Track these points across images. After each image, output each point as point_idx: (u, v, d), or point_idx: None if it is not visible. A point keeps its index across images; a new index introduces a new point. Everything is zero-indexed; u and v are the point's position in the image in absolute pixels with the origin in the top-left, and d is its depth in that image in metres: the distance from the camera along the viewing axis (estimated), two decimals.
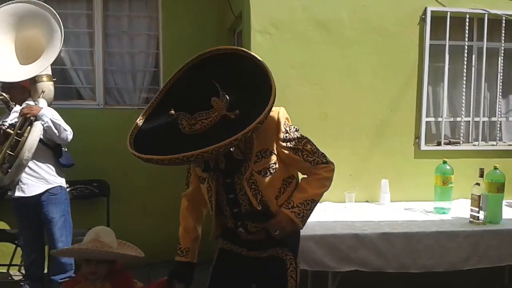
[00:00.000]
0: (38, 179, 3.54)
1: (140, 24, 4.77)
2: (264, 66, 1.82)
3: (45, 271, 3.92)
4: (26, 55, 3.62)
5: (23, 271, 4.00)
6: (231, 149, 1.81)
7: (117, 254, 2.06)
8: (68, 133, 3.55)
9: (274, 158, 1.92)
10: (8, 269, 4.33)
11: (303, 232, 2.74)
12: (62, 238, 3.63)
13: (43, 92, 3.62)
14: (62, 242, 3.62)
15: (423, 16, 3.69)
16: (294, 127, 1.98)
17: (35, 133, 3.43)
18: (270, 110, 1.70)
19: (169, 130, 1.79)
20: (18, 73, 3.53)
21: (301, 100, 3.58)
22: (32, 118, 3.43)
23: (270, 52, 3.53)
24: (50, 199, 3.58)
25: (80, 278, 2.12)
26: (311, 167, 1.96)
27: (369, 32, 3.66)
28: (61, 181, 3.68)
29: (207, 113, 1.71)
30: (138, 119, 1.92)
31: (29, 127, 3.43)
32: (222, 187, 1.99)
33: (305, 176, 2.02)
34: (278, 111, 1.93)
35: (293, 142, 1.94)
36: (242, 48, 1.96)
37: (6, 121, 3.52)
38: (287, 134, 1.93)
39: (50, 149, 3.60)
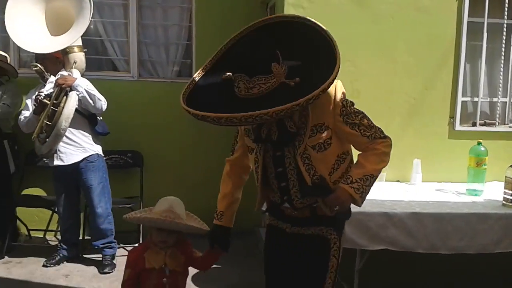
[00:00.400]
0: (76, 147, 3.66)
1: None
2: (329, 35, 1.79)
3: (80, 237, 4.09)
4: (56, 26, 3.68)
5: (59, 237, 4.17)
6: (286, 120, 1.79)
7: (187, 226, 2.08)
8: (103, 102, 3.64)
9: (329, 133, 1.85)
10: (44, 234, 4.51)
11: None
12: (101, 204, 3.78)
13: (75, 62, 3.70)
14: (101, 208, 3.78)
15: None
16: (350, 101, 1.89)
17: (71, 103, 3.53)
18: (334, 79, 1.67)
19: (223, 91, 1.75)
20: (49, 44, 3.61)
21: None
22: (67, 88, 3.52)
23: None
24: (88, 166, 3.71)
25: (150, 244, 2.17)
26: (369, 142, 1.87)
27: (405, 7, 3.58)
28: (98, 149, 3.80)
29: (266, 78, 1.68)
30: (196, 74, 1.88)
31: (64, 97, 3.54)
32: (272, 159, 1.94)
33: (362, 151, 1.92)
34: (336, 85, 1.85)
35: (351, 117, 1.85)
36: (307, 17, 1.88)
37: (42, 92, 3.62)
38: (344, 108, 1.84)
39: (86, 118, 3.71)
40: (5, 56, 4.21)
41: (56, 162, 3.68)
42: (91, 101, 3.58)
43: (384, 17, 3.57)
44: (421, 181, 3.56)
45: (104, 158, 3.90)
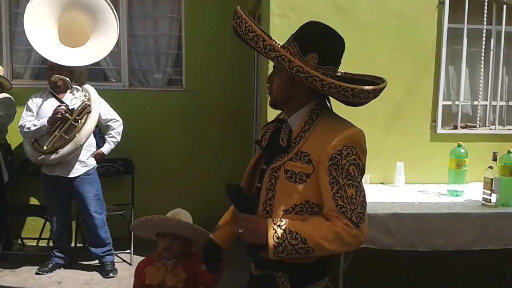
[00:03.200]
0: (79, 162, 3.77)
1: (163, 6, 4.87)
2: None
3: (72, 244, 4.15)
4: (70, 37, 3.79)
5: (52, 244, 4.23)
6: (283, 132, 1.63)
7: (188, 225, 2.05)
8: (120, 130, 4.00)
9: (310, 169, 1.56)
10: (37, 242, 4.57)
11: None
12: (98, 214, 3.89)
13: (81, 73, 3.85)
14: (99, 218, 3.91)
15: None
16: (356, 160, 1.55)
17: (92, 122, 3.71)
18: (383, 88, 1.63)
19: None
20: (75, 57, 3.72)
21: None
22: (88, 109, 3.71)
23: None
24: (85, 179, 3.81)
25: (155, 257, 2.17)
26: (334, 213, 1.51)
27: (387, 16, 3.68)
28: (94, 162, 3.90)
29: None
30: None
31: (86, 115, 3.64)
32: (258, 172, 1.71)
33: (324, 216, 1.56)
34: (357, 132, 1.59)
35: (339, 172, 1.53)
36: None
37: (62, 105, 3.70)
38: (339, 158, 1.53)
39: (95, 136, 3.91)
40: (1, 69, 4.29)
41: (58, 173, 3.76)
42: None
43: (367, 25, 3.68)
44: (404, 183, 3.65)
45: (96, 167, 3.99)
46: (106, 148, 3.90)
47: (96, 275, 3.93)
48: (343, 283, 3.05)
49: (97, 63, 4.78)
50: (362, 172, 1.59)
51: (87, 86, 3.85)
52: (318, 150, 1.56)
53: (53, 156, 3.64)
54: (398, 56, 3.72)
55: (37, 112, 3.82)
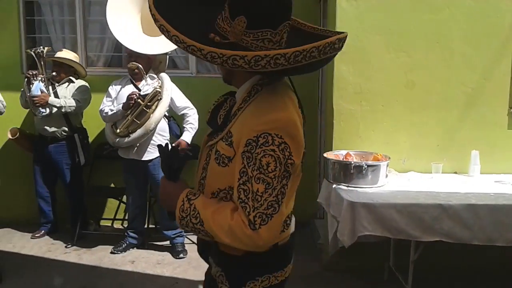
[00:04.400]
0: (152, 146, 3.91)
1: None
2: None
3: (145, 226, 4.34)
4: (150, 28, 3.91)
5: (126, 225, 4.44)
6: (223, 108, 1.50)
7: None
8: (197, 118, 4.07)
9: (231, 153, 1.37)
10: (112, 223, 4.80)
11: (384, 199, 2.84)
12: None
13: (160, 62, 3.97)
14: None
15: None
16: (276, 152, 1.29)
17: (163, 108, 3.83)
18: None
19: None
20: (152, 46, 3.85)
21: (387, 68, 3.55)
22: (159, 96, 3.82)
23: (355, 19, 3.52)
24: (158, 163, 3.95)
25: None
26: (236, 205, 1.33)
27: None
28: None
29: None
30: None
31: (157, 102, 3.79)
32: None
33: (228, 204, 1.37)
34: (284, 117, 1.33)
35: (251, 160, 1.30)
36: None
37: (135, 92, 3.86)
38: (254, 144, 1.30)
39: (168, 121, 4.03)
40: (77, 56, 4.51)
41: (132, 156, 3.94)
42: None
43: (439, 7, 3.52)
44: (479, 173, 3.49)
45: None
46: (186, 136, 3.98)
47: (167, 255, 4.09)
48: (413, 275, 3.00)
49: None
50: (286, 167, 1.31)
51: (162, 75, 3.97)
52: (239, 132, 1.35)
53: (126, 139, 3.82)
54: (473, 39, 3.54)
55: (116, 98, 4.01)
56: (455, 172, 3.62)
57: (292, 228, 1.52)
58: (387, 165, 3.19)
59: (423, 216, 2.78)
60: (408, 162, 3.61)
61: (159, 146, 1.49)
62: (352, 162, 3.13)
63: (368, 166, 3.10)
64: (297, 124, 1.36)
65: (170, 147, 1.51)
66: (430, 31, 3.53)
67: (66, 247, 4.24)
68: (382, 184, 3.14)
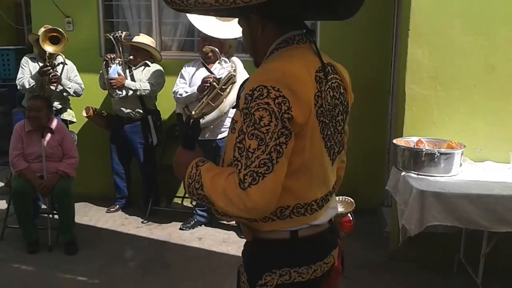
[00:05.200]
0: (225, 127, 4.02)
1: None
2: None
3: None
4: None
5: (194, 203, 4.55)
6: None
7: None
8: None
9: (238, 117, 1.30)
10: (182, 201, 4.97)
11: (457, 189, 2.73)
12: None
13: (230, 47, 4.05)
14: None
15: None
16: (270, 105, 1.20)
17: (237, 91, 3.90)
18: None
19: None
20: (225, 31, 3.90)
21: (465, 52, 3.37)
22: (233, 80, 3.88)
23: (433, 0, 3.36)
24: None
25: None
26: (232, 167, 1.29)
27: None
28: None
29: None
30: None
31: (231, 85, 3.90)
32: None
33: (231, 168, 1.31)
34: (280, 67, 1.27)
35: (247, 116, 1.23)
36: None
37: (210, 76, 3.96)
38: (250, 98, 1.23)
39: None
40: (153, 41, 4.67)
41: (207, 137, 4.05)
42: None
43: None
44: None
45: None
46: None
47: (232, 234, 4.18)
48: (483, 268, 2.87)
49: None
50: (282, 123, 1.19)
51: (234, 59, 4.04)
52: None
53: (201, 121, 3.93)
54: None
55: (189, 80, 4.12)
56: None
57: (322, 220, 1.41)
58: (462, 154, 3.05)
59: (496, 207, 2.66)
60: (485, 151, 3.43)
61: (183, 117, 1.47)
62: (424, 150, 3.03)
63: (441, 154, 2.98)
64: (300, 78, 1.25)
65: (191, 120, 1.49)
66: None
67: (142, 222, 4.45)
68: (455, 173, 3.02)
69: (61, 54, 4.40)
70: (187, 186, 1.35)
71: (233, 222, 4.23)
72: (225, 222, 4.34)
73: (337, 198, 2.20)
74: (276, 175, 1.21)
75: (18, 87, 4.47)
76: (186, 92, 4.04)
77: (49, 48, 4.29)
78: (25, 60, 4.52)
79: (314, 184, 1.36)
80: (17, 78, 4.44)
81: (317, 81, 1.31)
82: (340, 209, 2.15)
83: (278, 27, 1.37)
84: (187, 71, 4.19)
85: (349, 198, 2.17)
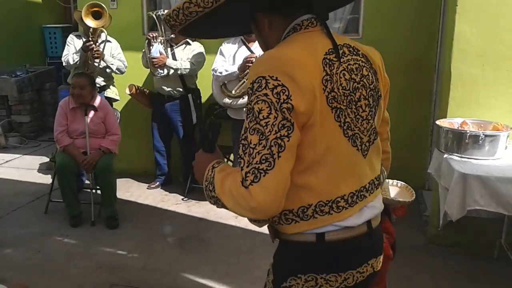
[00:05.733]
0: None
1: None
2: None
3: None
4: None
5: None
6: None
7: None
8: None
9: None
10: None
11: (502, 173, 2.62)
12: None
13: None
14: None
15: None
16: (268, 96, 1.14)
17: None
18: None
19: None
20: None
21: None
22: None
23: None
24: None
25: None
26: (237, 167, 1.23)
27: None
28: None
29: None
30: None
31: None
32: None
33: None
34: (277, 55, 1.21)
35: (249, 111, 1.18)
36: None
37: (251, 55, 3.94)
38: (251, 92, 1.18)
39: None
40: None
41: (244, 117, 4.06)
42: None
43: None
44: None
45: None
46: None
47: None
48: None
49: None
50: (282, 114, 1.12)
51: None
52: None
53: (240, 100, 3.95)
54: None
55: (229, 59, 4.10)
56: None
57: (354, 222, 1.29)
58: (508, 136, 2.92)
59: None
60: None
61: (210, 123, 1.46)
62: (468, 131, 2.92)
63: (486, 136, 2.86)
64: (300, 62, 1.17)
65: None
66: None
67: (182, 199, 4.53)
68: (500, 156, 2.89)
69: (105, 31, 4.48)
70: (204, 189, 1.29)
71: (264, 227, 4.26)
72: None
73: (396, 183, 2.14)
74: (279, 172, 1.13)
75: (64, 64, 4.60)
76: (227, 71, 4.03)
77: (91, 23, 4.38)
78: (71, 38, 4.63)
79: (338, 178, 1.26)
80: (63, 55, 4.57)
81: (326, 64, 1.22)
82: (399, 198, 2.10)
83: (285, 18, 1.32)
84: (227, 48, 4.17)
85: (408, 185, 2.08)
